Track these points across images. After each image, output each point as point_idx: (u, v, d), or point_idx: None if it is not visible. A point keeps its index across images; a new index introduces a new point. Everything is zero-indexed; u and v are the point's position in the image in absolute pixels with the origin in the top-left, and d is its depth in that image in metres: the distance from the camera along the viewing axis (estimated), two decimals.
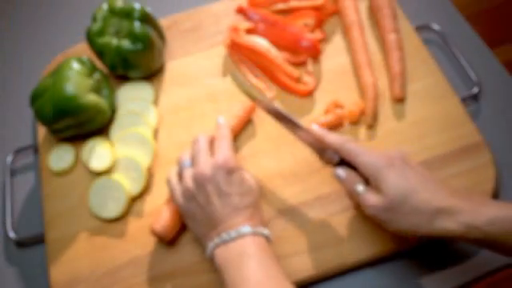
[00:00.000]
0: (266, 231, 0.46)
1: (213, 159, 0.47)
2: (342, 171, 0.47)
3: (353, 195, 0.46)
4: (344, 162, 0.47)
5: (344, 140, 0.47)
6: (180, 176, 0.49)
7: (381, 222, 0.44)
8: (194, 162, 0.48)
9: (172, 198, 0.50)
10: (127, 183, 0.56)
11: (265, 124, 0.60)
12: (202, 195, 0.46)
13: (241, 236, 0.44)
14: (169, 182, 0.50)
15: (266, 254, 0.44)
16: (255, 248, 0.43)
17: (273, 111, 0.52)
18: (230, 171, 0.47)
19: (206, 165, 0.47)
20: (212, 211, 0.45)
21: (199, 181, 0.46)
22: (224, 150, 0.48)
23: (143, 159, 0.57)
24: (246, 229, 0.44)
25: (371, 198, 0.44)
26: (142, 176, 0.56)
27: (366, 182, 0.46)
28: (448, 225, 0.42)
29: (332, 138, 0.48)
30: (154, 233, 0.51)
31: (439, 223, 0.42)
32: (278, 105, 0.56)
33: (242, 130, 0.60)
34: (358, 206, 0.49)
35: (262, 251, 0.44)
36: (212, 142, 0.51)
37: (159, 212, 0.52)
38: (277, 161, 0.57)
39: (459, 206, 0.42)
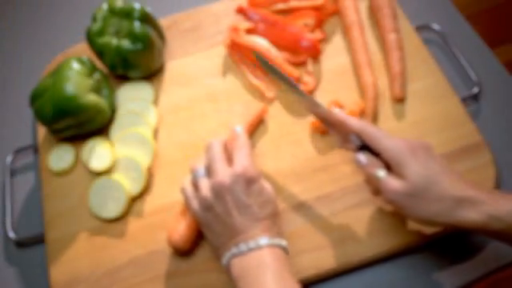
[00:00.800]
0: (283, 242, 0.45)
1: (231, 169, 0.46)
2: (362, 156, 0.46)
3: (372, 181, 0.45)
4: (364, 149, 0.47)
5: (366, 124, 0.47)
6: (195, 185, 0.48)
7: (401, 208, 0.43)
8: (210, 170, 0.47)
9: (187, 207, 0.49)
10: (127, 183, 0.56)
11: (267, 124, 0.60)
12: (220, 206, 0.45)
13: (259, 247, 0.43)
14: (184, 191, 0.49)
15: (283, 266, 0.43)
16: (272, 259, 0.43)
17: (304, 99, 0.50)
18: (250, 181, 0.46)
19: (224, 174, 0.46)
20: (231, 222, 0.45)
21: (218, 191, 0.45)
22: (243, 160, 0.47)
23: (143, 159, 0.57)
24: (264, 240, 0.44)
25: (393, 183, 0.43)
26: (141, 176, 0.56)
27: (387, 168, 0.45)
28: (470, 215, 0.41)
29: (354, 121, 0.47)
30: (171, 244, 0.50)
31: (461, 212, 0.41)
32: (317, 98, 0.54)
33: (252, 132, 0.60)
34: (377, 193, 0.48)
35: (279, 263, 0.43)
36: (226, 148, 0.50)
37: (176, 223, 0.51)
38: (277, 160, 0.57)
39: (481, 196, 0.42)
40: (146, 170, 0.57)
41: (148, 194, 0.56)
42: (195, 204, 0.47)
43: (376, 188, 0.46)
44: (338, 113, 0.48)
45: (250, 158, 0.48)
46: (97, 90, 0.59)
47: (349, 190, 0.54)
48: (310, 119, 0.59)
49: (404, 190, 0.42)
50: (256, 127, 0.59)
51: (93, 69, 0.60)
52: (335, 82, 0.62)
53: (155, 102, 0.63)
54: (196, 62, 0.66)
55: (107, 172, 0.57)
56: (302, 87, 0.62)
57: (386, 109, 0.59)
